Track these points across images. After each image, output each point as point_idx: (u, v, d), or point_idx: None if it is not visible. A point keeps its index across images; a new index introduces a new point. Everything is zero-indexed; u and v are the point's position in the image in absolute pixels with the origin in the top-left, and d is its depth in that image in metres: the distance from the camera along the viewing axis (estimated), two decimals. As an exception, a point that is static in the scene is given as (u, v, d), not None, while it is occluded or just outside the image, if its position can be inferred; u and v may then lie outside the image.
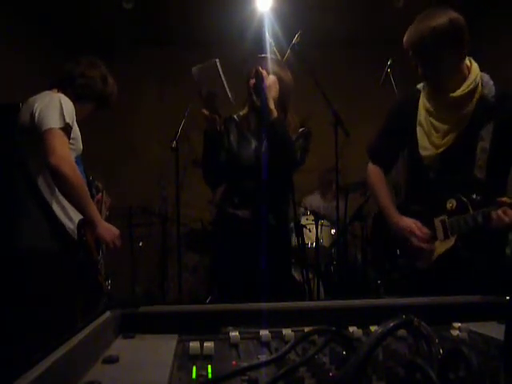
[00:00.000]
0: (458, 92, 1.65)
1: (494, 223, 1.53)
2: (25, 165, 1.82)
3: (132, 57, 5.16)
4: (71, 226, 1.84)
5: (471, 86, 1.64)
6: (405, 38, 1.69)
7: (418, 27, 1.65)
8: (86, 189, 1.81)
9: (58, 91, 1.95)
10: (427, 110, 1.75)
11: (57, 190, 1.81)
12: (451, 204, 1.67)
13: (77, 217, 1.85)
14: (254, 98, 2.05)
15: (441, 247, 1.70)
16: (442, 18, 1.60)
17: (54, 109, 1.77)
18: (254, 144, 2.13)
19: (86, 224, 1.86)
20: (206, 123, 2.00)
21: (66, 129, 1.77)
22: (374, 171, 1.98)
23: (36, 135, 1.75)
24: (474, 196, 1.62)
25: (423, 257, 1.74)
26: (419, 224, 1.76)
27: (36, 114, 1.77)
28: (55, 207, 1.82)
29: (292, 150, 2.04)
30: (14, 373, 0.53)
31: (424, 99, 1.78)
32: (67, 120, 1.77)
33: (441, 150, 1.70)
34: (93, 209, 1.84)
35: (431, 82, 1.74)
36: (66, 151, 1.75)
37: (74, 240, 1.84)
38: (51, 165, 1.70)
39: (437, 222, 1.72)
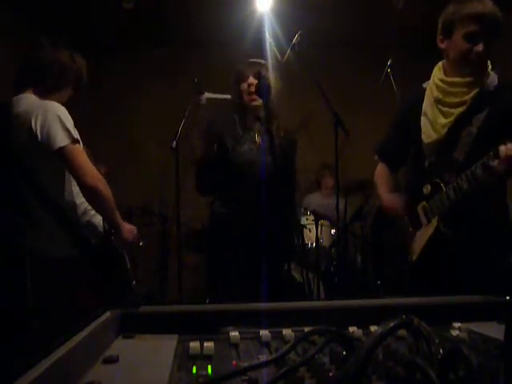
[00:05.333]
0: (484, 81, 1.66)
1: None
2: (36, 176, 1.80)
3: (132, 57, 5.16)
4: (99, 221, 1.91)
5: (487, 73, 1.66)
6: (480, 9, 1.60)
7: (489, 4, 1.61)
8: (113, 199, 1.85)
9: (35, 89, 1.86)
10: (438, 87, 1.73)
11: (68, 194, 1.85)
12: (426, 189, 1.73)
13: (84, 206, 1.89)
14: (246, 100, 2.10)
15: (426, 232, 1.73)
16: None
17: (55, 123, 1.74)
18: (244, 147, 2.16)
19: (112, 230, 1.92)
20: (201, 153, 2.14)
21: (75, 139, 1.77)
22: (379, 168, 2.06)
23: (46, 153, 1.74)
24: (447, 176, 1.66)
25: (413, 246, 1.78)
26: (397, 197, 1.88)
27: (38, 133, 1.73)
28: (75, 212, 1.86)
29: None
30: (14, 373, 0.53)
31: (438, 76, 1.75)
32: (71, 131, 1.76)
33: (444, 131, 1.70)
34: (118, 216, 1.90)
35: (476, 59, 1.65)
36: (92, 166, 1.79)
37: (101, 234, 1.90)
38: (88, 186, 1.75)
39: (419, 208, 1.76)
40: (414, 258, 1.77)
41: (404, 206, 1.84)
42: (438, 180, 1.68)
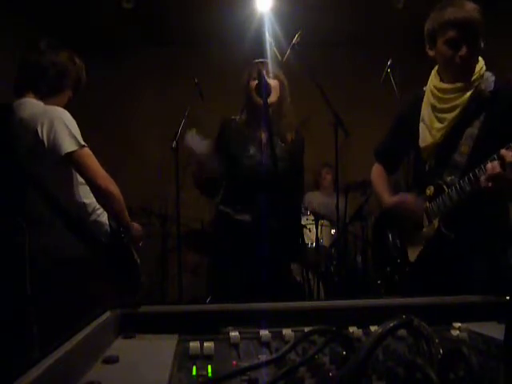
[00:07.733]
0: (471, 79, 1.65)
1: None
2: (43, 178, 1.80)
3: (132, 57, 5.15)
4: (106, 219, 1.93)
5: (474, 77, 1.65)
6: (456, 14, 1.60)
7: (466, 7, 1.60)
8: (123, 199, 1.88)
9: (35, 93, 1.85)
10: (433, 94, 1.74)
11: (77, 195, 1.87)
12: (429, 190, 1.73)
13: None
14: (257, 99, 2.09)
15: (427, 233, 1.73)
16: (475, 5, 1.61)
17: (61, 130, 1.74)
18: (253, 149, 2.17)
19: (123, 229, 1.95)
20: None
21: (82, 144, 1.78)
22: (376, 169, 2.07)
23: (54, 157, 1.75)
24: (449, 178, 1.66)
25: (412, 247, 1.78)
26: (405, 194, 1.86)
27: (44, 140, 1.73)
28: (84, 212, 1.88)
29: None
30: (14, 373, 0.52)
31: (433, 82, 1.75)
32: (77, 136, 1.77)
33: (439, 135, 1.70)
34: (127, 215, 1.94)
35: (461, 63, 1.65)
36: (101, 168, 1.81)
37: (111, 233, 1.93)
38: (100, 188, 1.77)
39: None
40: (413, 259, 1.77)
41: (418, 202, 1.77)
42: (440, 182, 1.68)
